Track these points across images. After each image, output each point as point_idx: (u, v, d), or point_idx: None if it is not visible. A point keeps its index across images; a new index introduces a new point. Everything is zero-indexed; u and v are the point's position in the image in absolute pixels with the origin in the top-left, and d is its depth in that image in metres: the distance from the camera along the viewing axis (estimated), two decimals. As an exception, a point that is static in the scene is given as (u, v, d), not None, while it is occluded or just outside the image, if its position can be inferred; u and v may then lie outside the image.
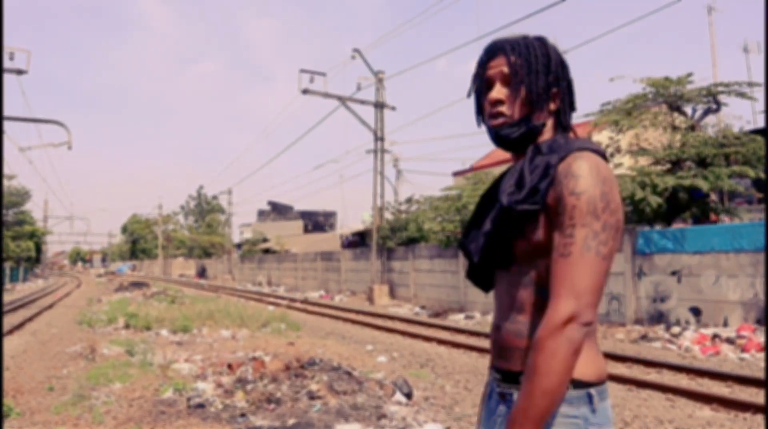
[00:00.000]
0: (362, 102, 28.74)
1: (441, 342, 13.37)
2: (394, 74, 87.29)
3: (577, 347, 1.40)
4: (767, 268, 11.99)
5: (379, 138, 28.23)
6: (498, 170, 22.85)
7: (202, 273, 63.44)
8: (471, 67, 1.86)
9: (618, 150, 17.66)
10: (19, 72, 22.68)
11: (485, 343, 13.26)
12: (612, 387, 8.73)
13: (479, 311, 19.25)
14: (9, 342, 13.76)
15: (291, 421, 6.51)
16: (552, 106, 1.64)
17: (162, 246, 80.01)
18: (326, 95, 27.74)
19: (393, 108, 29.38)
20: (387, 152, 28.94)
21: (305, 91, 26.96)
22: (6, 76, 22.61)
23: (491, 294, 1.75)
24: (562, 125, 1.66)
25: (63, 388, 8.56)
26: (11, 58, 22.51)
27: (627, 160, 17.86)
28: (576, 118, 1.77)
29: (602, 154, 1.54)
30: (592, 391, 1.48)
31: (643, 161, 16.74)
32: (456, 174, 36.51)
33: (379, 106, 28.82)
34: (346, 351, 11.53)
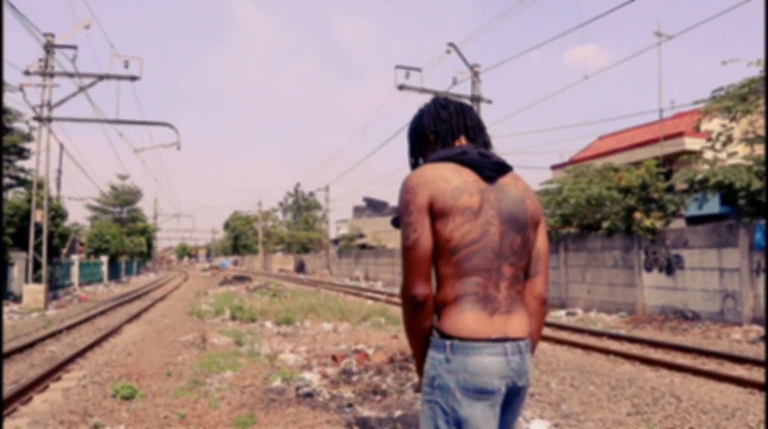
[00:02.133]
0: (458, 96, 28.50)
1: (543, 338, 13.07)
2: (490, 67, 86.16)
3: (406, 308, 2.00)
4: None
5: (475, 132, 27.92)
6: (599, 163, 22.01)
7: (300, 268, 65.12)
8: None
9: (730, 139, 16.63)
10: (133, 78, 24.04)
11: (589, 340, 12.85)
12: (731, 390, 8.24)
13: (581, 307, 18.67)
14: (129, 330, 14.66)
15: (397, 413, 6.55)
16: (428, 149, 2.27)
17: (262, 242, 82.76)
18: (422, 91, 27.71)
19: (489, 101, 28.99)
20: (484, 146, 28.48)
21: (401, 87, 27.04)
22: (122, 83, 24.09)
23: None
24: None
25: (179, 374, 9.00)
26: (126, 66, 23.90)
27: (742, 149, 16.80)
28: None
29: (432, 161, 2.10)
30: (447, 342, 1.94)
31: (760, 149, 15.68)
32: (554, 167, 35.57)
33: (476, 99, 28.52)
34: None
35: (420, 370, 2.06)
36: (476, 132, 2.22)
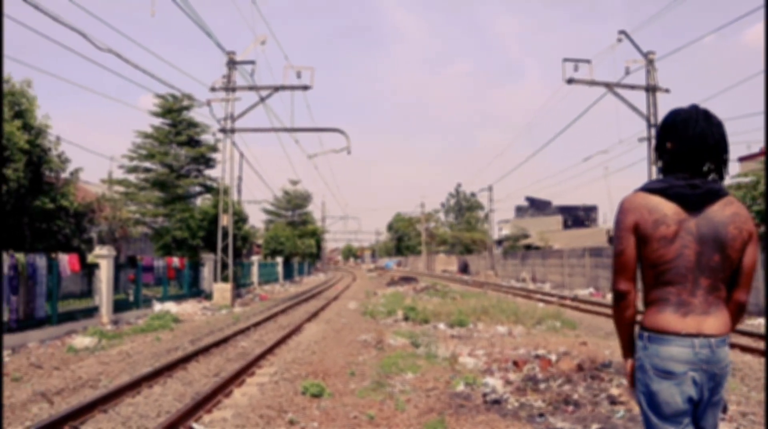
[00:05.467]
0: (632, 87, 26.83)
1: (745, 349, 11.80)
2: (666, 54, 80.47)
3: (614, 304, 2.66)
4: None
5: (652, 124, 26.10)
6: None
7: (464, 269, 64.94)
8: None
9: None
10: (305, 88, 25.24)
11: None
12: None
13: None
14: (309, 329, 15.31)
15: (594, 426, 6.13)
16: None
17: (425, 242, 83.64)
18: (592, 83, 26.39)
19: (666, 90, 26.96)
20: (661, 139, 26.48)
21: (570, 81, 25.94)
22: (296, 93, 25.38)
23: None
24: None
25: (362, 374, 9.16)
26: (298, 76, 25.15)
27: None
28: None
29: (642, 189, 2.58)
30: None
31: None
32: (743, 159, 32.40)
33: (651, 89, 26.63)
34: (635, 354, 10.70)
35: (625, 353, 2.70)
36: (707, 157, 2.55)
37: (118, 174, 32.19)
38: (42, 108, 20.83)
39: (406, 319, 16.61)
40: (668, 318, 2.48)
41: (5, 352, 11.33)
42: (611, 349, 11.06)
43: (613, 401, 6.87)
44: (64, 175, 18.66)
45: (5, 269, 12.49)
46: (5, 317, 12.37)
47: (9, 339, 12.18)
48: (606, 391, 7.27)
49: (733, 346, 12.25)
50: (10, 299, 12.56)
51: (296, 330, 14.74)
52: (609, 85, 26.66)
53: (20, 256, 13.12)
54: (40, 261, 13.74)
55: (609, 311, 19.59)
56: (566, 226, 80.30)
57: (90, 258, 16.65)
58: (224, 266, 25.16)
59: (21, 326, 12.80)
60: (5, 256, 12.70)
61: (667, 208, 2.49)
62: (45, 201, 16.87)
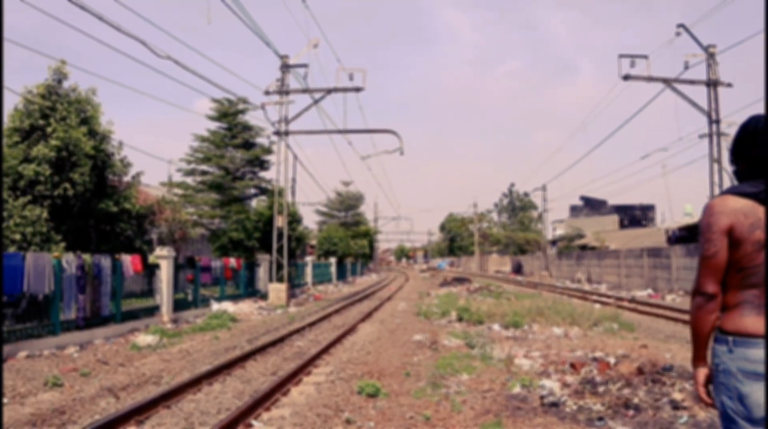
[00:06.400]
0: (692, 82, 26.08)
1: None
2: (728, 47, 77.92)
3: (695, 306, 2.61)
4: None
5: (713, 121, 25.32)
6: None
7: (517, 269, 64.22)
8: None
9: None
10: (357, 89, 25.40)
11: None
12: None
13: None
14: (363, 329, 15.42)
15: (656, 431, 5.99)
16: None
17: (478, 243, 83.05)
18: (649, 79, 25.77)
19: (729, 85, 26.09)
20: (724, 136, 25.69)
21: (626, 77, 25.38)
22: (348, 95, 25.59)
23: None
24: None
25: (417, 375, 9.18)
26: (351, 78, 25.36)
27: None
28: None
29: (730, 192, 2.58)
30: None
31: None
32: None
33: (712, 84, 25.84)
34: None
35: (697, 360, 2.65)
36: None
37: (176, 177, 33.12)
38: (105, 114, 21.64)
39: (460, 319, 16.54)
40: (753, 321, 2.49)
41: (73, 348, 11.82)
42: (672, 352, 10.78)
43: (675, 406, 6.70)
44: (126, 178, 19.33)
45: (73, 269, 13.03)
46: (72, 315, 12.92)
47: (77, 336, 12.70)
48: (668, 395, 7.09)
49: None
50: (78, 298, 13.09)
51: (351, 330, 14.87)
52: (667, 81, 25.99)
53: (87, 257, 13.65)
54: (105, 261, 14.25)
55: (668, 313, 19.08)
56: (622, 225, 78.37)
57: (151, 258, 17.18)
58: (279, 267, 25.56)
59: (88, 324, 13.33)
60: (72, 257, 13.25)
61: (760, 212, 2.51)
62: (109, 204, 17.50)
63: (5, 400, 7.80)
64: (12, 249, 13.38)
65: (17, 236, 13.67)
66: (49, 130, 15.89)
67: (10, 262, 11.40)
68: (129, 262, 15.47)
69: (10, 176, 15.33)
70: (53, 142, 15.62)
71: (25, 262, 11.66)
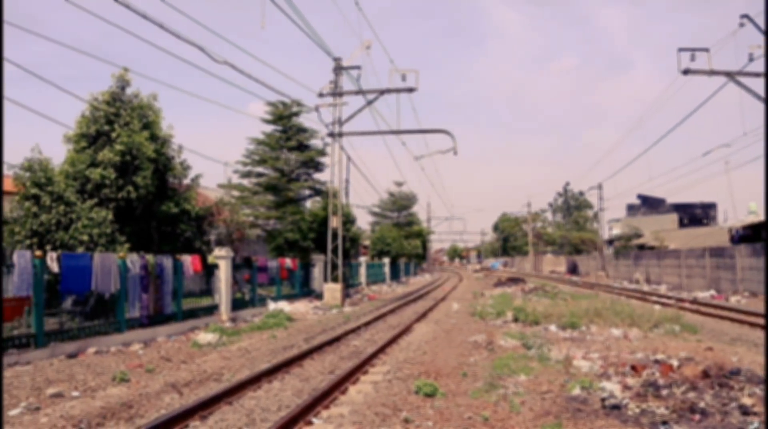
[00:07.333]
0: (756, 75, 25.08)
1: None
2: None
3: None
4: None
5: (780, 115, 24.29)
6: None
7: (573, 269, 63.06)
8: None
9: None
10: (410, 90, 25.38)
11: None
12: None
13: None
14: (419, 329, 15.44)
15: (724, 436, 5.82)
16: None
17: (532, 243, 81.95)
18: (711, 73, 24.88)
19: (797, 78, 25.00)
20: (792, 131, 24.61)
21: (686, 72, 24.58)
22: (401, 95, 25.63)
23: None
24: None
25: (474, 375, 9.14)
26: (403, 79, 25.37)
27: None
28: None
29: None
30: None
31: None
32: None
33: (779, 77, 24.79)
34: None
35: None
36: None
37: (233, 179, 33.78)
38: (165, 119, 22.30)
39: (515, 320, 16.38)
40: None
41: (138, 345, 12.23)
42: (739, 355, 10.42)
43: (745, 411, 6.48)
44: (186, 181, 19.86)
45: (137, 269, 13.48)
46: (136, 313, 13.37)
47: (141, 333, 13.14)
48: (737, 400, 6.86)
49: None
50: (142, 297, 13.54)
51: (406, 330, 14.90)
52: (730, 74, 25.06)
53: (150, 257, 14.09)
54: (167, 262, 14.69)
55: (734, 315, 18.46)
56: (682, 224, 76.05)
57: (210, 259, 17.60)
58: (334, 267, 25.82)
59: (151, 322, 13.78)
60: (136, 257, 13.71)
61: None
62: (170, 206, 18.02)
63: (77, 393, 8.16)
64: (80, 250, 13.92)
65: (85, 237, 14.21)
66: (113, 135, 16.47)
67: (79, 262, 11.90)
68: (189, 262, 15.90)
69: (78, 180, 15.97)
70: (118, 147, 16.19)
71: (93, 262, 12.14)
